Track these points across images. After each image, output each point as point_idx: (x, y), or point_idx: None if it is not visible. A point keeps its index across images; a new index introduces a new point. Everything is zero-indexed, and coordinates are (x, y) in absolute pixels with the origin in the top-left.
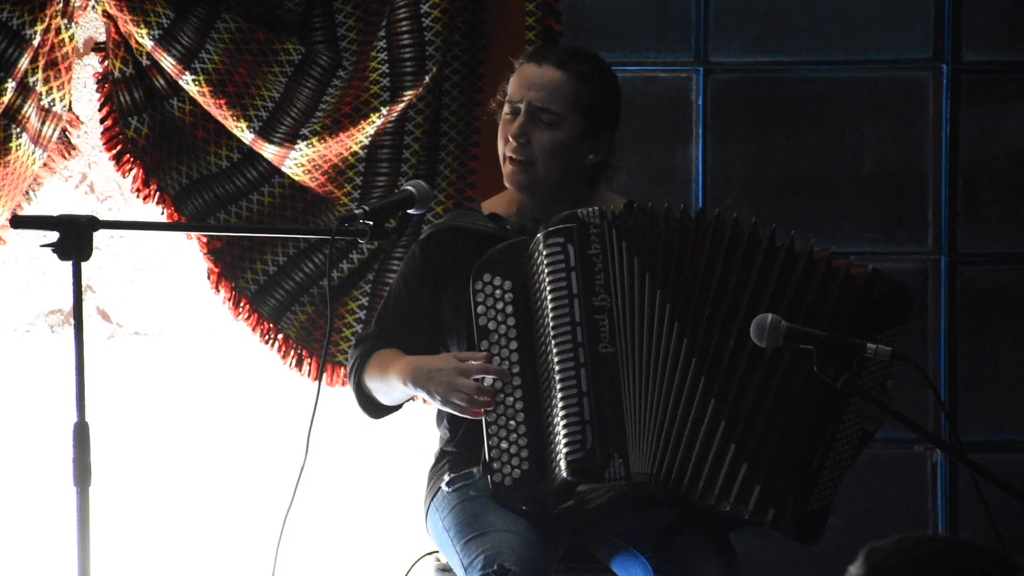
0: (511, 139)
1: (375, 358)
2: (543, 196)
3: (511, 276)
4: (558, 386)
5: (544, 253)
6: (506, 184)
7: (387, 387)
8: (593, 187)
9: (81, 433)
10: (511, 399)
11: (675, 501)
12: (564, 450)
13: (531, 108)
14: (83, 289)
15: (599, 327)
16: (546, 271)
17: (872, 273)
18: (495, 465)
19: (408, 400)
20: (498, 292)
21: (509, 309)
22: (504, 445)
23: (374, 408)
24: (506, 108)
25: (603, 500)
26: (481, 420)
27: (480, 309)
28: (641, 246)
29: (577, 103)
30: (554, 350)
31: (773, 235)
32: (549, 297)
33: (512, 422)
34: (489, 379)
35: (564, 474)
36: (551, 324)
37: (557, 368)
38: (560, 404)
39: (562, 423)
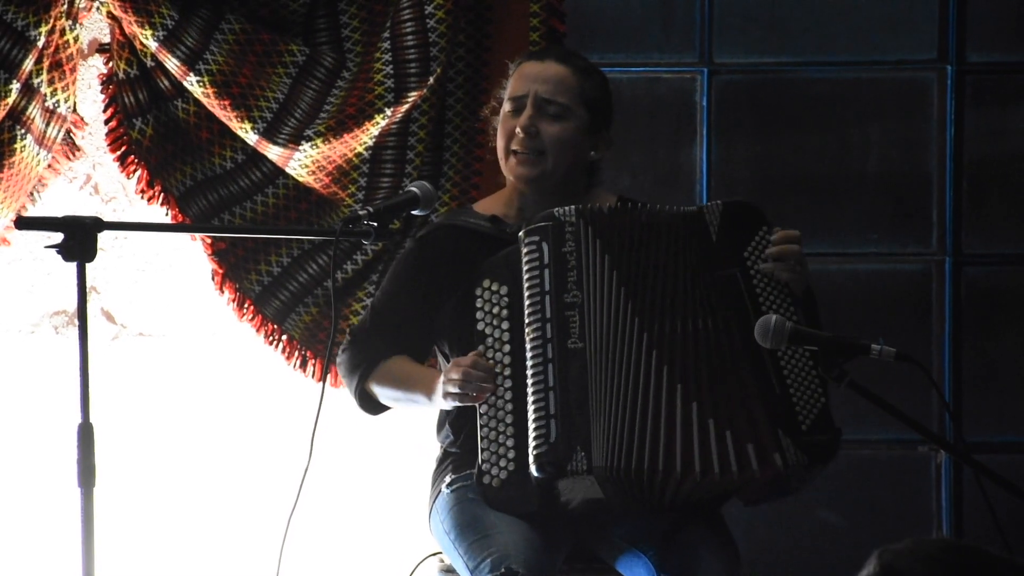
0: (520, 131)
1: (386, 368)
2: (546, 191)
3: (508, 282)
4: (529, 381)
5: (523, 251)
6: (511, 178)
7: (407, 399)
8: (589, 187)
9: (85, 434)
10: (501, 401)
11: (651, 495)
12: (531, 444)
13: (538, 100)
14: (87, 290)
15: (569, 323)
16: (523, 268)
17: (698, 208)
18: (485, 467)
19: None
20: (495, 297)
21: (504, 313)
22: (494, 447)
23: (375, 407)
24: (507, 105)
25: (579, 500)
26: (477, 423)
27: (479, 314)
28: (611, 243)
29: (582, 96)
30: (527, 346)
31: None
32: (525, 294)
33: (502, 424)
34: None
35: (532, 469)
36: (525, 320)
37: (529, 363)
38: (530, 399)
39: (531, 417)
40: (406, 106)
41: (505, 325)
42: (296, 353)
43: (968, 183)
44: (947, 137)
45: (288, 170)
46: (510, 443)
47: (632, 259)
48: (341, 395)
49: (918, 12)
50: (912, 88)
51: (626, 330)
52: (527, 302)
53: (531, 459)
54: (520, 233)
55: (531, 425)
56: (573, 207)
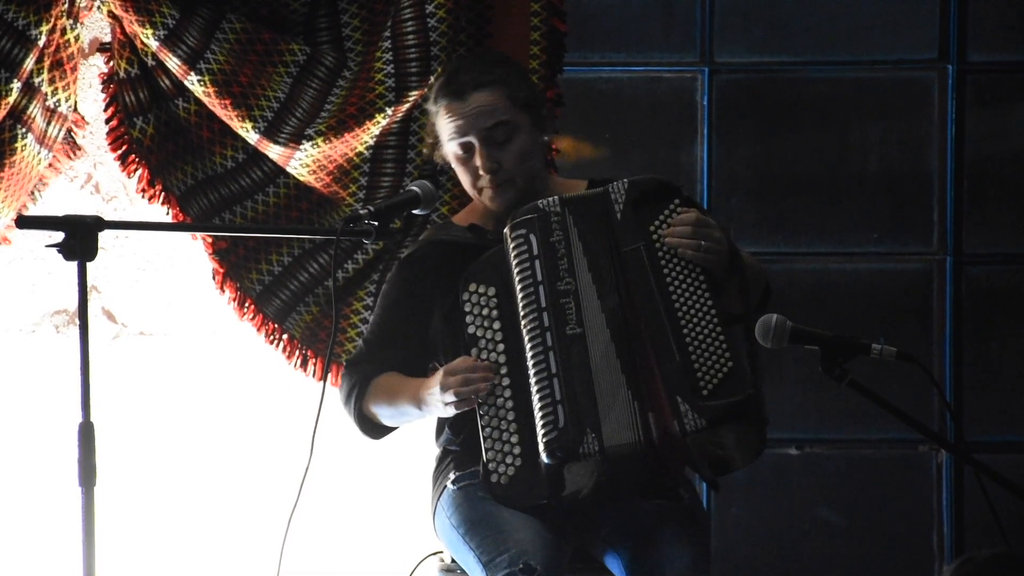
0: (484, 172)
1: (377, 385)
2: (523, 198)
3: (494, 282)
4: (531, 371)
5: (511, 246)
6: (492, 208)
7: (398, 413)
8: (547, 168)
9: (86, 433)
10: (501, 399)
11: (662, 467)
12: (540, 432)
13: (484, 135)
14: (88, 289)
15: (565, 310)
16: (513, 262)
17: (604, 188)
18: (491, 466)
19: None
20: (483, 299)
21: (494, 314)
22: (498, 446)
23: (376, 430)
24: (457, 151)
25: (593, 484)
26: (478, 424)
27: (468, 318)
28: (584, 229)
29: (514, 104)
30: (525, 337)
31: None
32: (517, 287)
33: (504, 422)
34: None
35: (543, 456)
36: (520, 312)
37: (529, 354)
38: (534, 388)
39: (537, 406)
40: (407, 105)
41: (496, 325)
42: (297, 352)
43: (969, 182)
44: (948, 136)
45: (289, 169)
46: (514, 439)
47: (589, 243)
48: None
49: (919, 11)
50: (913, 87)
51: (597, 312)
52: (520, 294)
53: (541, 446)
54: (505, 229)
55: (538, 413)
56: (556, 197)
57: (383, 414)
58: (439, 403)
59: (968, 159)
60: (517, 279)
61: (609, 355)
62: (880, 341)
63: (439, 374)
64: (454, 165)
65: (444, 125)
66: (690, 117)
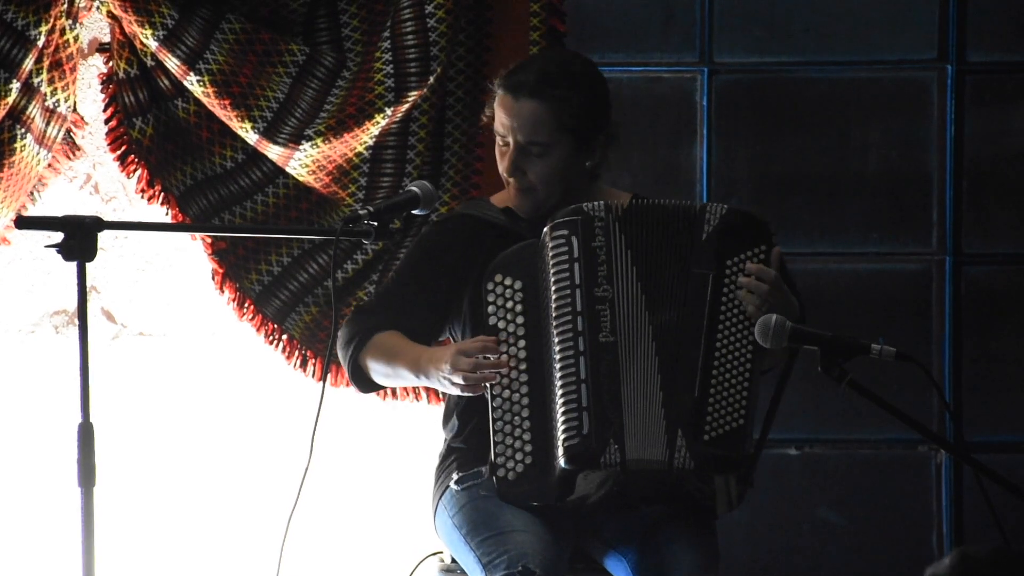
0: (506, 175)
1: (378, 340)
2: (552, 207)
3: (522, 276)
4: (557, 374)
5: (549, 245)
6: (513, 202)
7: (394, 373)
8: (594, 180)
9: (86, 434)
10: (517, 395)
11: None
12: (561, 437)
13: (518, 144)
14: (87, 290)
15: (600, 317)
16: (550, 262)
17: (703, 205)
18: (499, 461)
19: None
20: (508, 292)
21: (519, 308)
22: (509, 441)
23: (365, 383)
24: (497, 138)
25: (603, 493)
26: (489, 417)
27: (491, 308)
28: (634, 239)
29: (560, 128)
30: (555, 339)
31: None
32: (552, 287)
33: (517, 418)
34: (492, 358)
35: (561, 461)
36: (553, 314)
37: (557, 356)
38: (559, 392)
39: (560, 410)
40: (406, 106)
41: (520, 320)
42: (296, 353)
43: (968, 183)
44: (947, 137)
45: (288, 170)
46: (526, 437)
47: (648, 254)
48: (342, 395)
49: (918, 12)
50: (912, 88)
51: (642, 325)
52: (555, 295)
53: (560, 451)
54: (545, 227)
55: (561, 417)
56: (601, 202)
57: (377, 371)
58: (444, 380)
59: (968, 159)
60: (553, 279)
61: (647, 368)
62: (880, 341)
63: (451, 350)
64: (496, 148)
65: (496, 110)
66: (690, 117)
